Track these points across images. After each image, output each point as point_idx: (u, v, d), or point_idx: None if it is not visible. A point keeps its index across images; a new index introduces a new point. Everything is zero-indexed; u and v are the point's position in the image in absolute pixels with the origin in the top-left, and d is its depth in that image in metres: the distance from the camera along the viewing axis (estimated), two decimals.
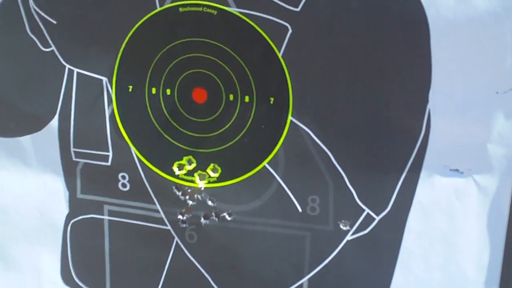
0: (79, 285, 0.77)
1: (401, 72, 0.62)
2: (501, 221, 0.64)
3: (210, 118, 0.68)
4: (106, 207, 0.74)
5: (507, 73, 0.59)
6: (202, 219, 0.71)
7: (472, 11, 0.58)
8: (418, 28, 0.60)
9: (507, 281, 0.66)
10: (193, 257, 0.73)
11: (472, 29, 0.59)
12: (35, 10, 0.68)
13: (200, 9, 0.64)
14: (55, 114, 0.72)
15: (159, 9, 0.65)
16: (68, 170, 0.74)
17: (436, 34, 0.60)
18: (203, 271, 0.73)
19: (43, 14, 0.68)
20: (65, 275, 0.78)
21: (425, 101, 0.62)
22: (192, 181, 0.70)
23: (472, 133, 0.62)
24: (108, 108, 0.70)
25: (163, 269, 0.74)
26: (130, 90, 0.69)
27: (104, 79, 0.69)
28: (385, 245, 0.68)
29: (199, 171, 0.70)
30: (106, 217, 0.74)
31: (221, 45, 0.65)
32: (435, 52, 0.60)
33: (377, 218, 0.67)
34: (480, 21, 0.58)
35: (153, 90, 0.68)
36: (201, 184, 0.70)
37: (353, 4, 0.60)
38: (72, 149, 0.73)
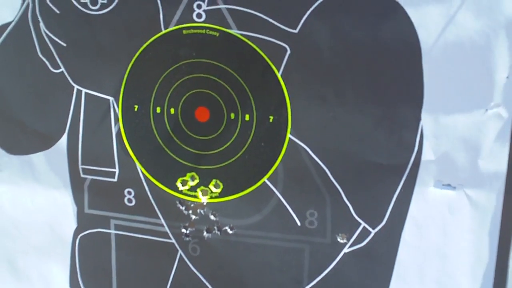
0: None
1: (395, 91, 0.61)
2: (493, 234, 0.64)
3: (212, 136, 0.68)
4: (113, 222, 0.74)
5: (496, 91, 0.59)
6: (205, 233, 0.71)
7: (461, 31, 0.58)
8: (410, 47, 0.60)
9: None
10: (196, 269, 0.72)
11: (462, 49, 0.59)
12: (45, 33, 0.69)
13: (203, 31, 0.64)
14: (64, 132, 0.72)
15: (163, 31, 0.65)
16: (76, 186, 0.74)
17: (428, 54, 0.60)
18: (206, 283, 0.73)
19: (53, 37, 0.69)
20: (74, 287, 0.77)
21: (418, 118, 0.62)
22: (195, 196, 0.70)
23: (464, 149, 0.62)
24: (115, 126, 0.70)
25: (168, 281, 0.74)
26: (135, 109, 0.69)
27: (111, 99, 0.69)
28: (381, 257, 0.67)
29: (202, 187, 0.70)
30: (113, 231, 0.74)
31: (223, 66, 0.65)
32: (427, 71, 0.60)
33: (373, 232, 0.66)
34: (469, 41, 0.58)
35: (158, 109, 0.68)
36: (204, 199, 0.70)
37: (348, 26, 0.61)
38: (80, 166, 0.72)
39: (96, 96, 0.70)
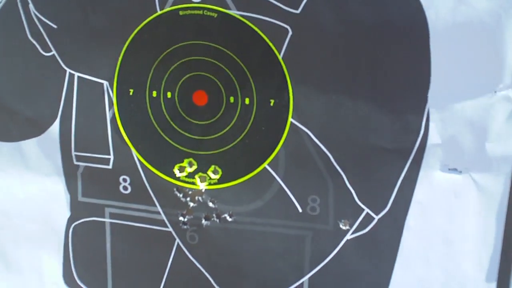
0: (81, 286, 0.74)
1: (400, 73, 0.59)
2: (499, 219, 0.61)
3: (210, 121, 0.64)
4: (108, 210, 0.70)
5: (505, 72, 0.57)
6: (203, 221, 0.68)
7: (471, 12, 0.55)
8: (417, 29, 0.57)
9: (505, 278, 0.63)
10: (194, 258, 0.69)
11: (471, 30, 0.56)
12: (35, 14, 0.65)
13: (201, 12, 0.61)
14: (56, 118, 0.68)
15: (159, 13, 0.62)
16: (69, 173, 0.70)
17: (436, 35, 0.57)
18: (204, 272, 0.70)
19: (43, 18, 0.65)
20: (67, 277, 0.74)
21: (425, 101, 0.59)
22: (193, 183, 0.67)
23: (471, 132, 0.59)
24: (109, 111, 0.67)
25: (165, 271, 0.71)
26: (131, 93, 0.65)
27: (105, 83, 0.66)
28: (384, 244, 0.64)
29: (200, 173, 0.66)
30: (107, 220, 0.71)
31: (222, 48, 0.62)
32: (435, 52, 0.57)
33: (377, 218, 0.64)
34: (479, 22, 0.56)
35: (154, 93, 0.65)
36: (202, 186, 0.67)
37: (353, 6, 0.57)
38: (73, 153, 0.69)
39: (90, 80, 0.66)
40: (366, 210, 0.64)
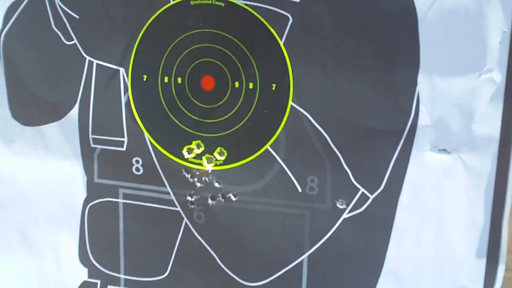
0: (95, 265, 0.77)
1: (393, 58, 0.62)
2: (487, 197, 0.64)
3: (217, 105, 0.68)
4: (121, 191, 0.74)
5: (488, 56, 0.60)
6: (209, 200, 0.71)
7: None
8: (407, 14, 0.60)
9: (494, 254, 0.65)
10: (201, 236, 0.72)
11: (457, 16, 0.59)
12: (59, 6, 0.70)
13: (210, 1, 0.66)
14: (75, 103, 0.72)
15: (172, 3, 0.66)
16: (87, 156, 0.74)
17: (424, 21, 0.60)
18: (210, 249, 0.72)
19: (67, 9, 0.70)
20: (83, 257, 0.77)
21: (414, 84, 0.62)
22: (200, 164, 0.71)
23: (458, 114, 0.62)
24: (124, 96, 0.71)
25: (173, 249, 0.74)
26: (144, 79, 0.70)
27: (121, 69, 0.70)
28: (379, 222, 0.67)
29: (207, 155, 0.70)
30: (121, 200, 0.74)
31: (228, 35, 0.66)
32: (423, 38, 0.61)
33: (371, 197, 0.67)
34: (464, 8, 0.59)
35: (166, 79, 0.69)
36: (209, 167, 0.70)
37: None
38: (91, 136, 0.73)
39: (107, 67, 0.70)
40: (362, 189, 0.67)
